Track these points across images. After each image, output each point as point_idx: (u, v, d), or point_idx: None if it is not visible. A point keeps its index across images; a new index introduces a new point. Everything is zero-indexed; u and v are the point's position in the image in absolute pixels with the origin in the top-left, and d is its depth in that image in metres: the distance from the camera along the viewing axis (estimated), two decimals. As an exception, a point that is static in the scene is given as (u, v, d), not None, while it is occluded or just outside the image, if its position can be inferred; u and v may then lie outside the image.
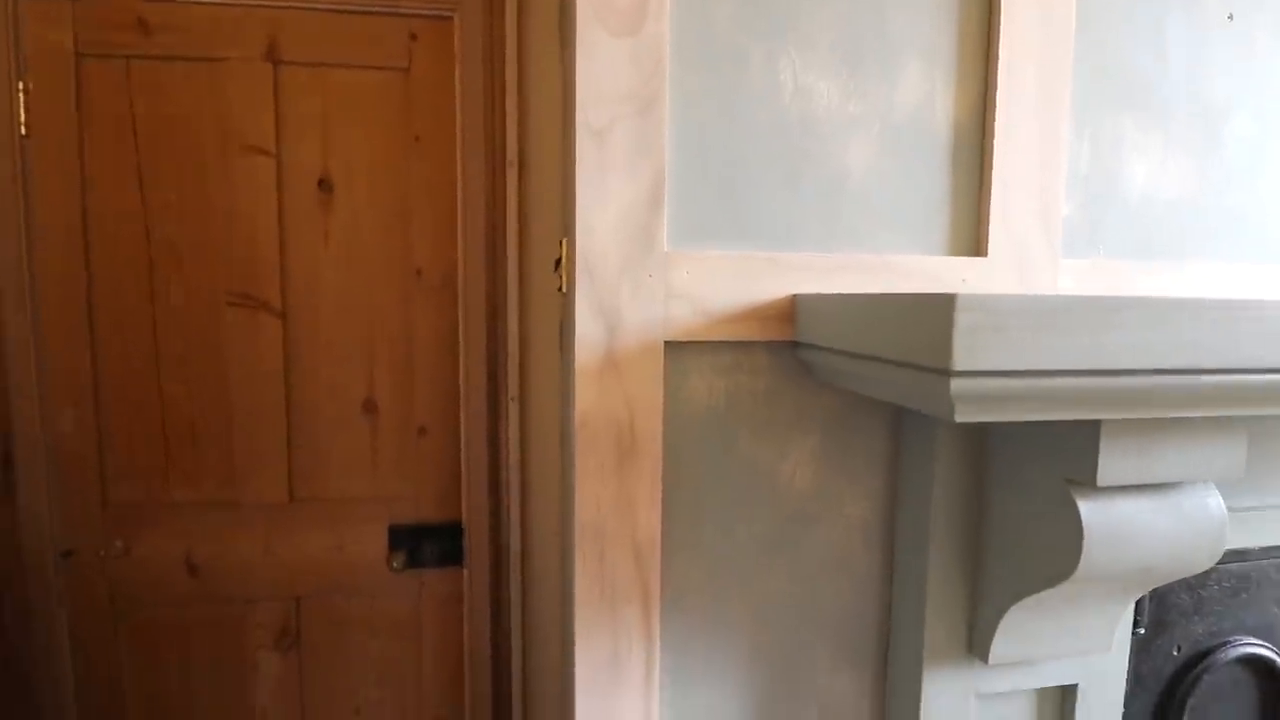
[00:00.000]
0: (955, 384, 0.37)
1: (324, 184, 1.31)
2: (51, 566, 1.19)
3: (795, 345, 0.59)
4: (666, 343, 0.56)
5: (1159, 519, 0.50)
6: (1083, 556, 0.48)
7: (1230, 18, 0.69)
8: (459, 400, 1.30)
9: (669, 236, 0.56)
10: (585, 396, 0.54)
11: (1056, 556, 0.50)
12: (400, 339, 1.32)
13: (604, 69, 0.53)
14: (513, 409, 1.25)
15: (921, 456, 0.58)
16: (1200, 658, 0.78)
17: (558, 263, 0.61)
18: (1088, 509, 0.48)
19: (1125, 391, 0.39)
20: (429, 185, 1.30)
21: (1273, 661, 0.81)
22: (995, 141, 0.61)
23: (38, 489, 1.19)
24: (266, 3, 1.25)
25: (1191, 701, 0.78)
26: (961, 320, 0.35)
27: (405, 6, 1.28)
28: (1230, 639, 0.79)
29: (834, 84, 0.59)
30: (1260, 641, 0.81)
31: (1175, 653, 0.76)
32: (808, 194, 0.59)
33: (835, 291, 0.56)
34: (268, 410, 1.27)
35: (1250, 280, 0.71)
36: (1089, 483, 0.47)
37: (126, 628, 1.25)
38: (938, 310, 0.36)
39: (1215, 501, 0.52)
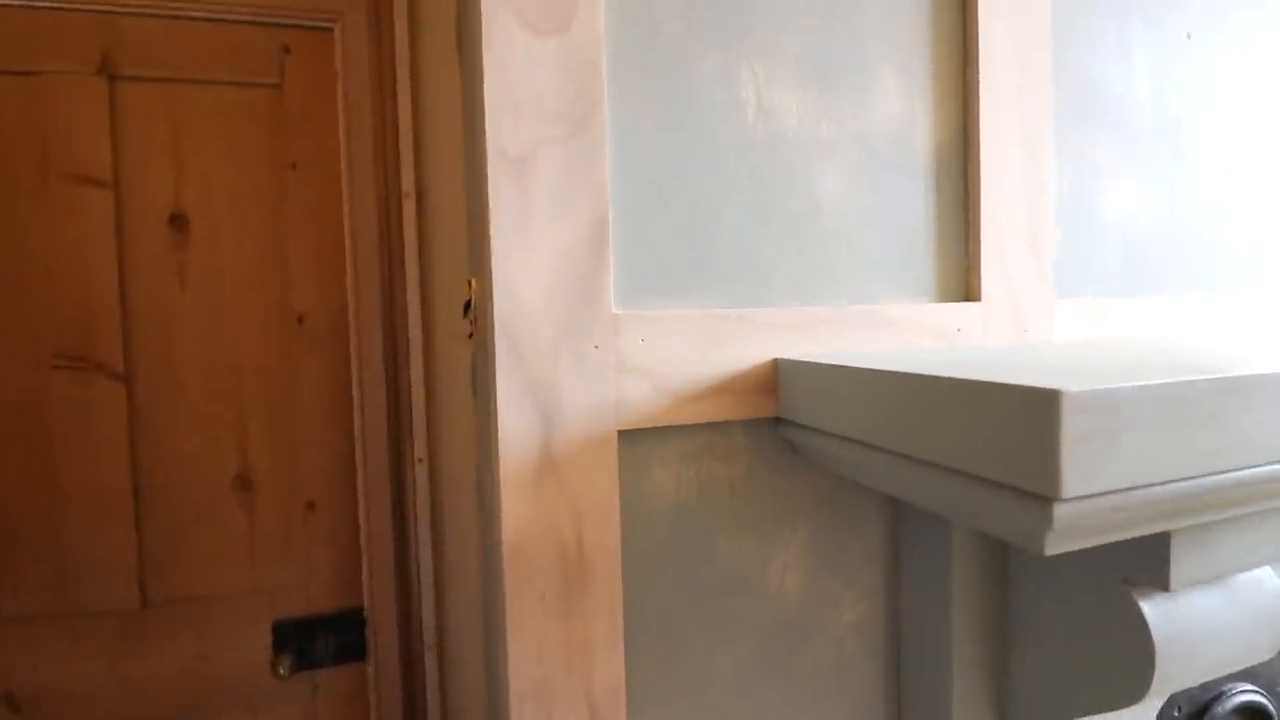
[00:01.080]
0: (1060, 512, 0.26)
1: (177, 220, 1.10)
2: None
3: (778, 422, 0.47)
4: (620, 432, 0.43)
5: (1226, 613, 0.42)
6: (1155, 675, 0.39)
7: (1189, 36, 0.64)
8: (354, 468, 1.12)
9: (616, 293, 0.43)
10: (516, 513, 0.40)
11: (1118, 675, 0.41)
12: (280, 398, 1.12)
13: (523, 78, 0.39)
14: (420, 473, 1.08)
15: (931, 553, 0.47)
16: (1200, 713, 0.72)
17: (467, 305, 0.47)
18: (1157, 616, 0.39)
19: (1243, 486, 0.30)
20: (310, 219, 1.11)
21: (1264, 707, 0.77)
22: (981, 168, 0.52)
23: None
24: (99, 6, 1.04)
25: (1194, 767, 0.72)
26: (1071, 427, 0.25)
27: (275, 15, 1.09)
28: (1225, 689, 0.74)
29: (803, 101, 0.48)
30: (1254, 688, 0.76)
31: (1176, 714, 0.70)
32: (779, 232, 0.48)
33: (826, 358, 0.44)
34: (110, 495, 1.04)
35: (1234, 311, 0.66)
36: (1158, 583, 0.38)
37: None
38: (1036, 413, 0.25)
39: (1274, 580, 0.44)
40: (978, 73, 0.52)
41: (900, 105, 0.51)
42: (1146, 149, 0.62)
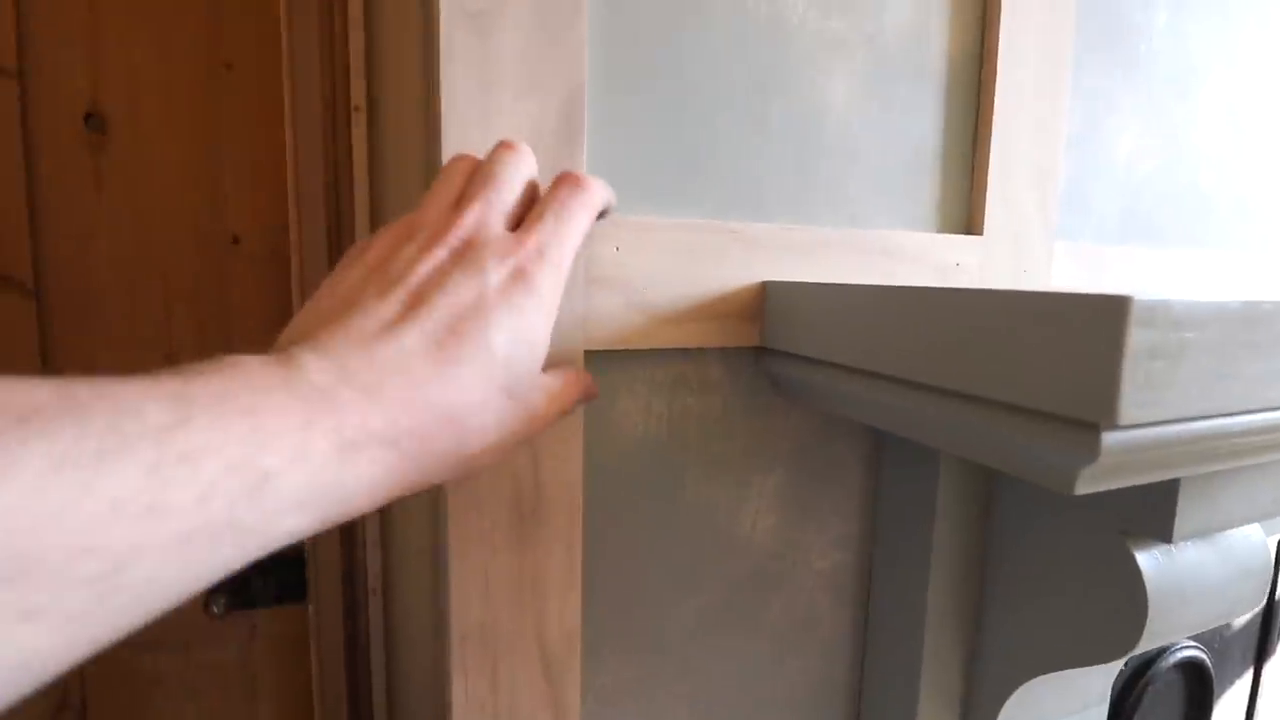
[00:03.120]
0: (1109, 442, 0.22)
1: (94, 119, 0.97)
2: None
3: (762, 352, 0.42)
4: (586, 353, 0.37)
5: (1216, 569, 0.40)
6: (1146, 629, 0.36)
7: (1210, -30, 0.60)
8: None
9: (590, 192, 0.37)
10: (464, 438, 0.34)
11: (1106, 629, 0.39)
12: (212, 326, 1.02)
13: (487, -86, 0.32)
14: (367, 410, 1.00)
15: (914, 500, 0.44)
16: (1145, 668, 0.73)
17: None
18: (1153, 570, 0.37)
19: (1273, 429, 0.27)
20: (246, 128, 1.00)
21: (1203, 662, 0.79)
22: (996, 90, 0.47)
23: None
24: None
25: (1137, 717, 0.73)
26: (1138, 342, 0.20)
27: (206, -111, 0.96)
28: (1169, 644, 0.75)
29: (812, -12, 0.42)
30: (1195, 644, 0.78)
31: (1123, 667, 0.71)
32: (777, 138, 0.42)
33: (821, 280, 0.39)
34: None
35: (1225, 267, 0.64)
36: (1161, 535, 0.35)
37: None
38: (1097, 324, 0.21)
39: (1261, 541, 0.42)
40: (999, -18, 0.46)
41: (917, 7, 0.46)
42: (1158, 93, 0.58)
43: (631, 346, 0.38)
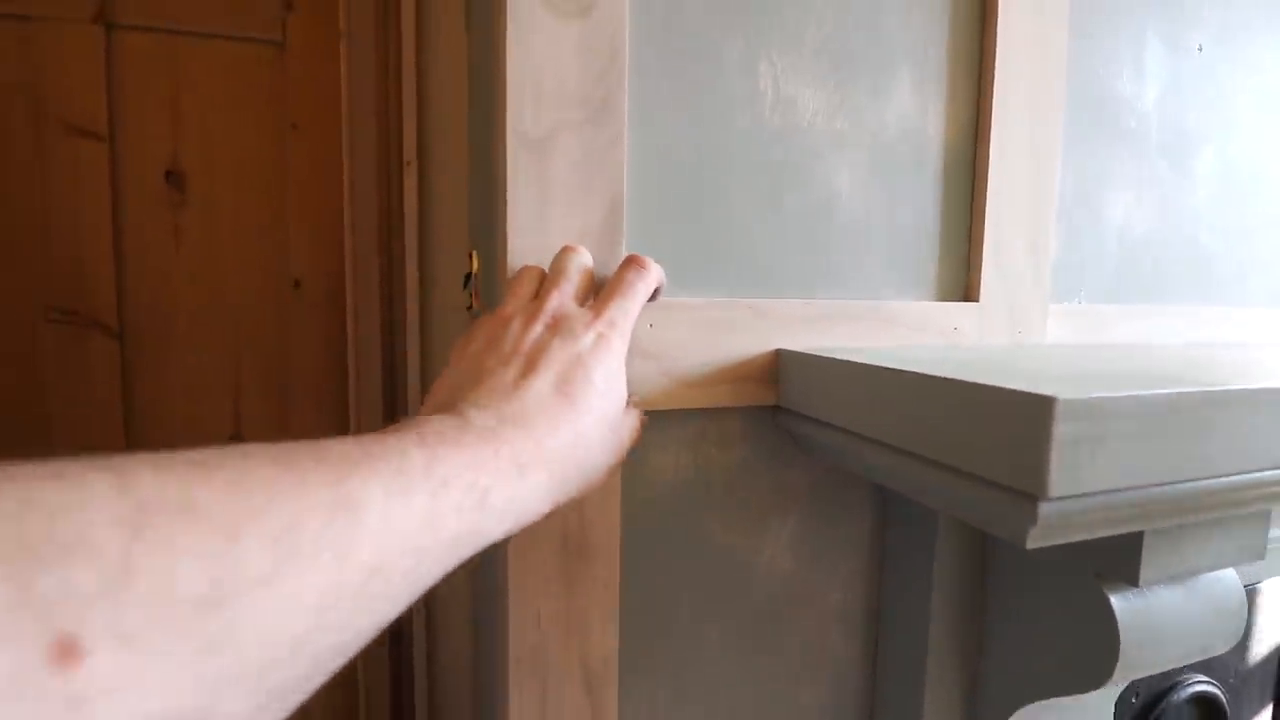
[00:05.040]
0: (1044, 510, 0.28)
1: (174, 176, 1.09)
2: None
3: (777, 411, 0.49)
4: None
5: (1189, 609, 0.44)
6: (1119, 663, 0.41)
7: (1200, 49, 0.65)
8: (348, 432, 1.11)
9: (627, 278, 0.44)
10: (522, 489, 0.42)
11: (1084, 661, 0.44)
12: (275, 364, 1.12)
13: (545, 60, 0.40)
14: (413, 443, 1.07)
15: (916, 543, 0.50)
16: (1156, 701, 0.76)
17: (468, 278, 0.48)
18: (1124, 610, 0.42)
19: (1216, 493, 0.32)
20: (309, 182, 1.11)
21: (1216, 697, 0.81)
22: (990, 169, 0.54)
23: None
24: (95, -50, 1.01)
25: (1149, 750, 0.76)
26: (1062, 433, 0.26)
27: (277, -32, 1.07)
28: (1182, 679, 0.78)
29: (820, 94, 0.49)
30: (1209, 679, 0.80)
31: (1134, 700, 0.74)
32: (790, 225, 0.49)
33: (827, 351, 0.46)
34: (102, 451, 1.03)
35: (1222, 324, 0.68)
36: (1128, 578, 0.40)
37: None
38: (1028, 417, 0.27)
39: (1235, 585, 0.47)
40: (993, 77, 0.53)
41: (914, 104, 0.52)
42: (1150, 161, 0.64)
43: (661, 407, 0.45)
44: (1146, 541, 0.39)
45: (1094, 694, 0.53)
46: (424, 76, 0.97)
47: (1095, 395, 0.27)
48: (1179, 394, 0.29)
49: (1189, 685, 0.78)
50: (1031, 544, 0.30)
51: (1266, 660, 0.88)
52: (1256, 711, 0.88)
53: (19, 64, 1.00)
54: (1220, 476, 0.30)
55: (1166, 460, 0.29)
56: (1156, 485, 0.29)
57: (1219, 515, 0.36)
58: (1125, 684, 0.43)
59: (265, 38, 1.10)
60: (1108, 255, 0.62)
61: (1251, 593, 0.83)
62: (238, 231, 1.10)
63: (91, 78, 1.04)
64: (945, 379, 0.31)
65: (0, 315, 1.00)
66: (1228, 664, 0.82)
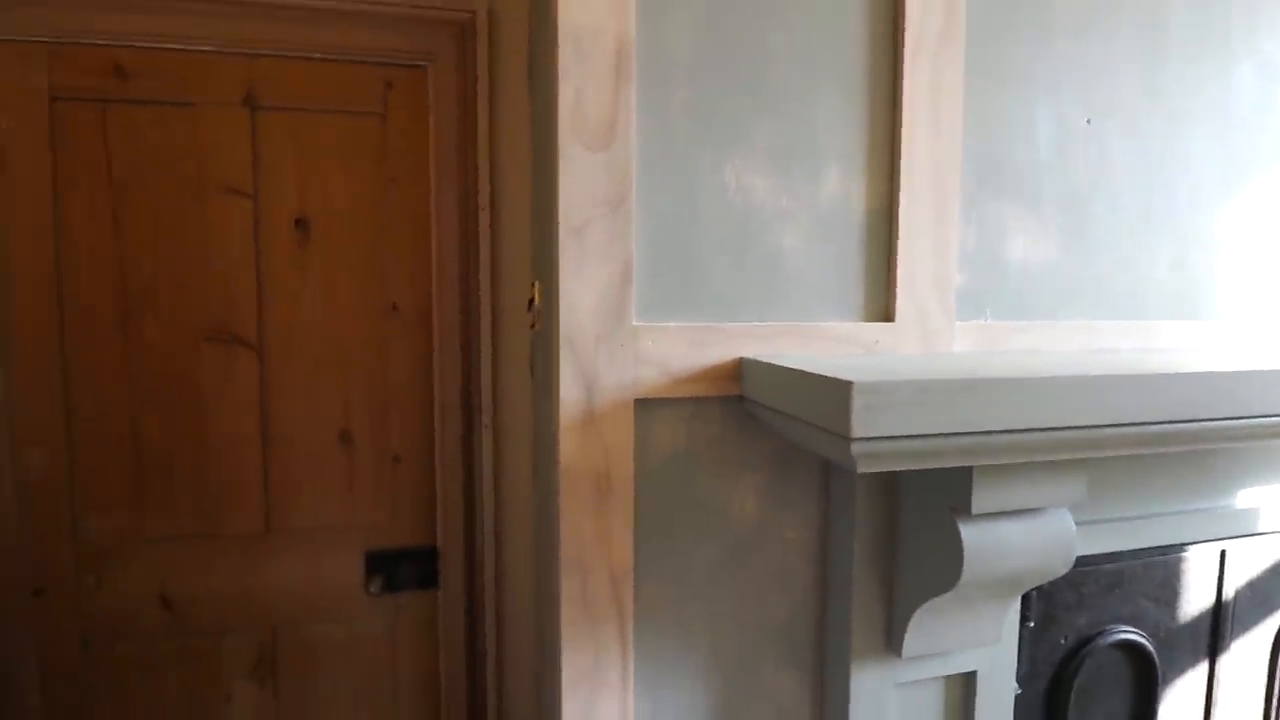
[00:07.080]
0: (854, 446, 0.50)
1: (301, 224, 1.39)
2: (21, 606, 1.21)
3: (742, 399, 0.73)
4: (636, 400, 0.69)
5: (1024, 538, 0.65)
6: (964, 569, 0.63)
7: (1088, 122, 0.86)
8: (433, 429, 1.38)
9: (636, 312, 0.69)
10: (568, 449, 0.67)
11: (947, 569, 0.65)
12: (376, 372, 1.41)
13: (582, 178, 0.66)
14: (486, 436, 1.34)
15: (846, 490, 0.72)
16: (1083, 644, 0.94)
17: (530, 302, 0.74)
18: (967, 531, 0.63)
19: (977, 445, 0.54)
20: (404, 226, 1.39)
21: (1143, 645, 0.98)
22: (900, 227, 0.76)
23: (6, 528, 1.19)
24: (244, 50, 1.32)
25: (1078, 682, 0.94)
26: (857, 402, 0.49)
27: (381, 56, 1.37)
28: (1108, 628, 0.95)
29: (770, 182, 0.73)
30: (1133, 629, 0.98)
31: (1063, 641, 0.92)
32: (750, 273, 0.73)
33: (770, 359, 0.70)
34: (244, 442, 1.33)
35: (1108, 334, 0.88)
36: (966, 511, 0.62)
37: (98, 664, 1.26)
38: (840, 393, 0.50)
39: (1067, 522, 0.67)
40: (901, 159, 0.76)
41: (842, 183, 0.76)
42: (1043, 210, 0.85)
43: (662, 396, 0.70)
44: (976, 479, 0.60)
45: (989, 612, 0.73)
46: (495, 138, 1.26)
47: (880, 380, 0.50)
48: (931, 380, 0.52)
49: (1116, 633, 0.95)
50: (860, 469, 0.53)
51: (1198, 620, 1.04)
52: (1189, 666, 1.04)
53: (187, 139, 1.32)
54: (971, 434, 0.53)
55: (931, 420, 0.51)
56: (927, 435, 0.52)
57: (1022, 460, 0.57)
58: (976, 586, 0.61)
59: (370, 110, 1.39)
60: (1010, 284, 0.84)
61: (1179, 558, 1.00)
62: (348, 266, 1.39)
63: (240, 148, 1.35)
64: (811, 373, 0.55)
65: (172, 335, 1.31)
66: (1156, 620, 0.99)
